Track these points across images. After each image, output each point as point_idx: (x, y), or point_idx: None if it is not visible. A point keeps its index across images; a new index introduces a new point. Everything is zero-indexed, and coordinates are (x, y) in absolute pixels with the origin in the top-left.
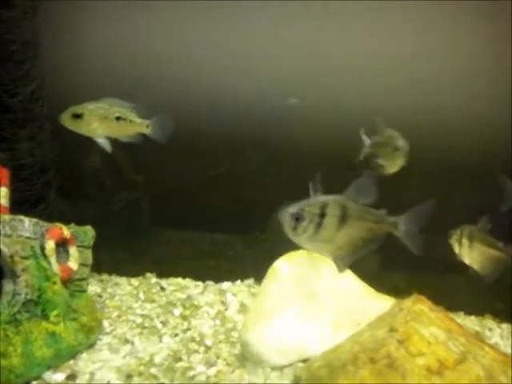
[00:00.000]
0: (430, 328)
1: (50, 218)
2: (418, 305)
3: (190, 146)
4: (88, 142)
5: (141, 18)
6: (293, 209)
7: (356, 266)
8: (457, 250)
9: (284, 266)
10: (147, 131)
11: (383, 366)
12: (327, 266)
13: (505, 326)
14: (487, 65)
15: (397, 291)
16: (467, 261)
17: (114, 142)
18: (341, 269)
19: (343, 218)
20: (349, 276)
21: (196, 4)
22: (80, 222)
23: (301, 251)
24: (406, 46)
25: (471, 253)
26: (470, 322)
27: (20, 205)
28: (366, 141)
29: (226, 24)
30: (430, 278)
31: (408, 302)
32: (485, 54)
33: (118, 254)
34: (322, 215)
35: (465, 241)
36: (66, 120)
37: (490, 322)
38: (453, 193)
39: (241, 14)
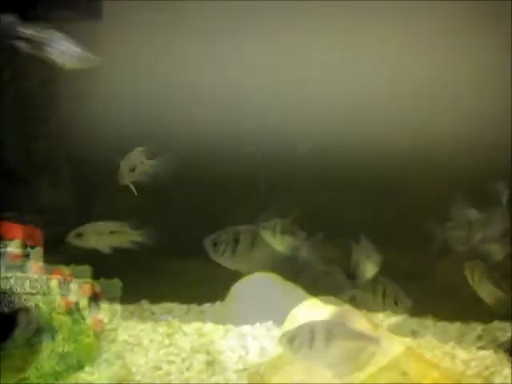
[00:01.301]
0: None
1: (70, 255)
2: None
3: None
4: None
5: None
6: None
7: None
8: (470, 281)
9: (240, 288)
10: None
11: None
12: (278, 285)
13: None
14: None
15: None
16: (478, 292)
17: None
18: None
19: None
20: (297, 292)
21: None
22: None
23: (256, 274)
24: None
25: (481, 286)
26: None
27: (44, 244)
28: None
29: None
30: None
31: (339, 311)
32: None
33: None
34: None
35: (476, 277)
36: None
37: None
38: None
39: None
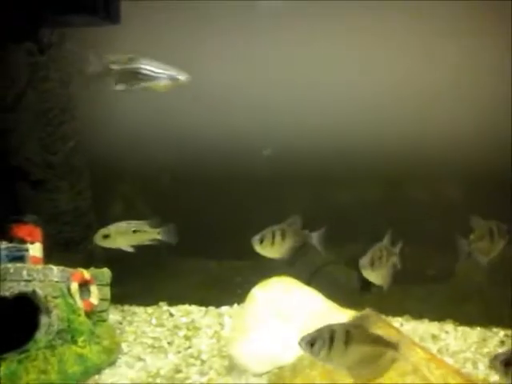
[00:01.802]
0: None
1: (90, 255)
2: (366, 317)
3: (196, 184)
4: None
5: None
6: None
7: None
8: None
9: (259, 292)
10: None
11: (331, 367)
12: (297, 289)
13: (461, 328)
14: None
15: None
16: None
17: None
18: None
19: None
20: (315, 296)
21: None
22: (110, 259)
23: (274, 278)
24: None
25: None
26: (432, 327)
27: (64, 245)
28: None
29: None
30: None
31: (359, 316)
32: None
33: (137, 287)
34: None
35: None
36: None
37: (449, 326)
38: None
39: None
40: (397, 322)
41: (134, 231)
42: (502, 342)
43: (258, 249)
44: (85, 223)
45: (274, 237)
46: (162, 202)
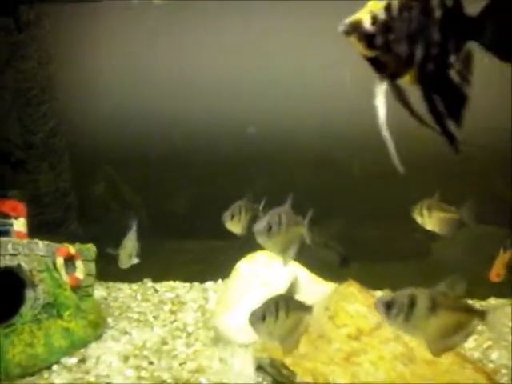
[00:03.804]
0: (355, 305)
1: (72, 236)
2: (349, 288)
3: (181, 170)
4: (96, 171)
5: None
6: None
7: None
8: (419, 220)
9: (243, 266)
10: None
11: (316, 336)
12: (278, 262)
13: None
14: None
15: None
16: (429, 227)
17: (118, 170)
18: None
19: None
20: (299, 268)
21: None
22: (92, 239)
23: (258, 252)
24: None
25: (431, 220)
26: None
27: (45, 226)
28: None
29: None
30: (380, 266)
31: (342, 287)
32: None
33: None
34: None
35: (425, 211)
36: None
37: None
38: None
39: None
40: (377, 295)
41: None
42: None
43: (229, 226)
44: (66, 204)
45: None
46: (143, 184)
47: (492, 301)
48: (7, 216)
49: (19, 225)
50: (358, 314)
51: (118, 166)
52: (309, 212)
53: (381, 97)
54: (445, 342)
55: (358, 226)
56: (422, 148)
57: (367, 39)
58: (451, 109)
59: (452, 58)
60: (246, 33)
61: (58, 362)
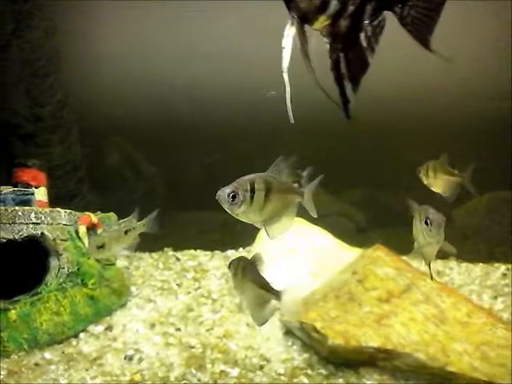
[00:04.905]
0: (384, 268)
1: (85, 208)
2: (377, 252)
3: (194, 139)
4: (108, 143)
5: (148, 26)
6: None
7: (344, 227)
8: (425, 181)
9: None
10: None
11: (345, 299)
12: (306, 228)
13: (464, 265)
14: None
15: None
16: (434, 188)
17: (131, 141)
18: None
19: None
20: (324, 235)
21: None
22: (108, 210)
23: None
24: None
25: (436, 181)
26: (435, 264)
27: (58, 199)
28: None
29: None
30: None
31: (369, 251)
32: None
33: (140, 234)
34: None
35: (430, 173)
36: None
37: (452, 262)
38: None
39: None
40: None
41: (126, 232)
42: (504, 275)
43: None
44: (77, 177)
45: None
46: (158, 154)
47: None
48: (28, 185)
49: (40, 194)
50: (387, 276)
51: (131, 136)
52: (303, 174)
53: (288, 39)
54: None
55: (380, 193)
56: (447, 113)
57: None
58: (352, 72)
59: (365, 22)
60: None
61: (84, 330)
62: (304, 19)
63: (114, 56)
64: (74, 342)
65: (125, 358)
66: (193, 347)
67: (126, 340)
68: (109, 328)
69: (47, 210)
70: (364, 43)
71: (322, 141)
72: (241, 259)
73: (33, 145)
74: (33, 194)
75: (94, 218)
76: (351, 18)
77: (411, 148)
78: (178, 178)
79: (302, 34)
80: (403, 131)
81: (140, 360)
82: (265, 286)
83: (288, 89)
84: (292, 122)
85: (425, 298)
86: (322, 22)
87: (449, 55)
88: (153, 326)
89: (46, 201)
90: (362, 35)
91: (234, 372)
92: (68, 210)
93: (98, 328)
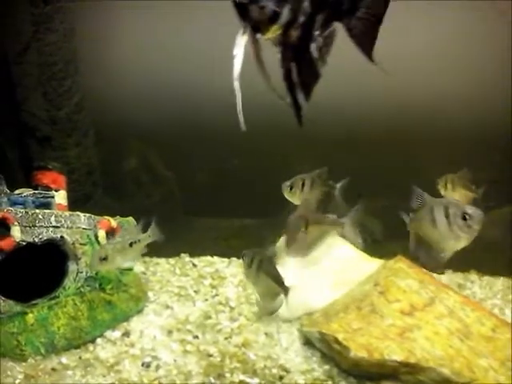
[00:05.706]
0: (407, 280)
1: (99, 212)
2: (399, 263)
3: (212, 143)
4: (125, 147)
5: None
6: None
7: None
8: (443, 192)
9: None
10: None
11: (367, 311)
12: (328, 238)
13: (485, 278)
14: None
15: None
16: None
17: (147, 144)
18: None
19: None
20: (345, 245)
21: None
22: (123, 215)
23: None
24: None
25: (454, 194)
26: (456, 277)
27: (73, 203)
28: None
29: None
30: None
31: (391, 262)
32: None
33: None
34: None
35: (449, 185)
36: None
37: (473, 276)
38: None
39: None
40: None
41: (131, 244)
42: None
43: (287, 195)
44: (92, 181)
45: (303, 185)
46: (174, 160)
47: None
48: (48, 188)
49: (60, 197)
50: (410, 289)
51: (146, 140)
52: (336, 185)
53: (240, 47)
54: None
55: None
56: (467, 124)
57: None
58: (303, 81)
59: (316, 33)
60: None
61: (101, 336)
62: (256, 29)
63: (133, 59)
64: (91, 347)
65: (142, 365)
66: (211, 355)
67: (144, 346)
68: (126, 334)
69: (67, 213)
70: (314, 53)
71: (343, 151)
72: (256, 252)
73: (49, 148)
74: (53, 197)
75: (113, 222)
76: (302, 29)
77: (434, 159)
78: (195, 182)
79: (255, 43)
80: (426, 141)
81: (157, 367)
82: (277, 279)
83: (239, 96)
84: (244, 129)
85: (448, 312)
86: (274, 31)
87: (387, 67)
88: (170, 332)
89: (66, 204)
90: (313, 45)
91: (254, 382)
92: (87, 214)
93: (115, 334)
